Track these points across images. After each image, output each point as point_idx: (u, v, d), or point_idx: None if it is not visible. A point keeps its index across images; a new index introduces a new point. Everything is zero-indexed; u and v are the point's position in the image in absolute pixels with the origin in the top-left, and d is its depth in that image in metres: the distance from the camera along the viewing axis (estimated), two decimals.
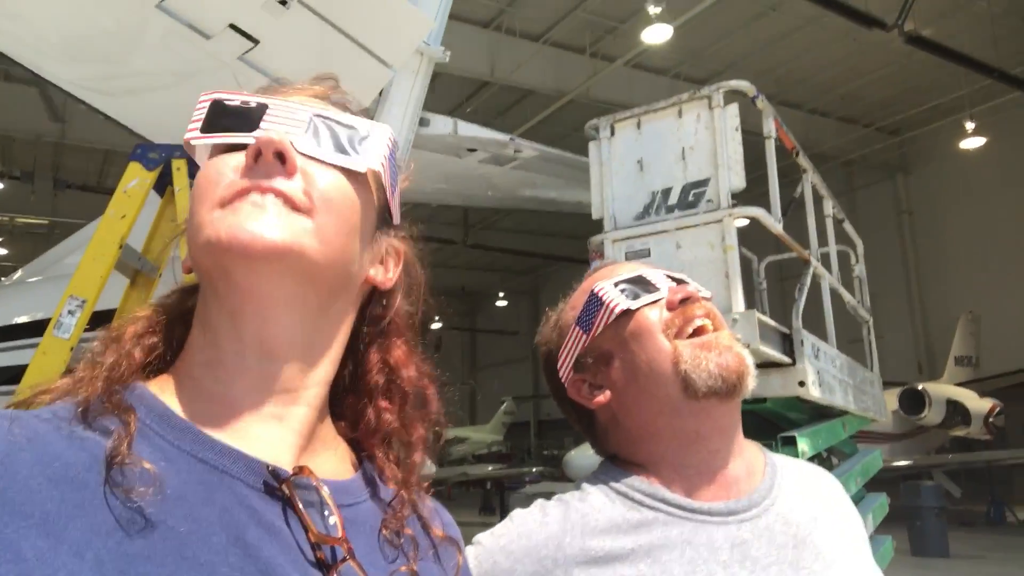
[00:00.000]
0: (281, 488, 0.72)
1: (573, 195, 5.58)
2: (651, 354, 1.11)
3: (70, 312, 2.84)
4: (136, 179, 3.12)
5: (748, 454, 1.18)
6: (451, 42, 3.80)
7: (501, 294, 34.61)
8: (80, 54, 3.45)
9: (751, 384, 1.10)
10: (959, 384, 17.50)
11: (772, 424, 4.22)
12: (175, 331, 0.83)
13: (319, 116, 0.82)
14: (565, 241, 22.91)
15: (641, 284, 1.18)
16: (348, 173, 0.80)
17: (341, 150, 0.80)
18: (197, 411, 0.74)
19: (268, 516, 0.70)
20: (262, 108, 0.81)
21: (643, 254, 3.73)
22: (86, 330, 2.96)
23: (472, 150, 4.25)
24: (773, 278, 7.05)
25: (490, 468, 22.72)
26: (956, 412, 15.91)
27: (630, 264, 1.27)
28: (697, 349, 1.10)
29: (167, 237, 3.23)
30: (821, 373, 4.18)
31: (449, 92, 16.31)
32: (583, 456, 8.05)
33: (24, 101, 15.28)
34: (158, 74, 3.46)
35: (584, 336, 1.19)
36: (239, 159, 0.76)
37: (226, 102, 0.82)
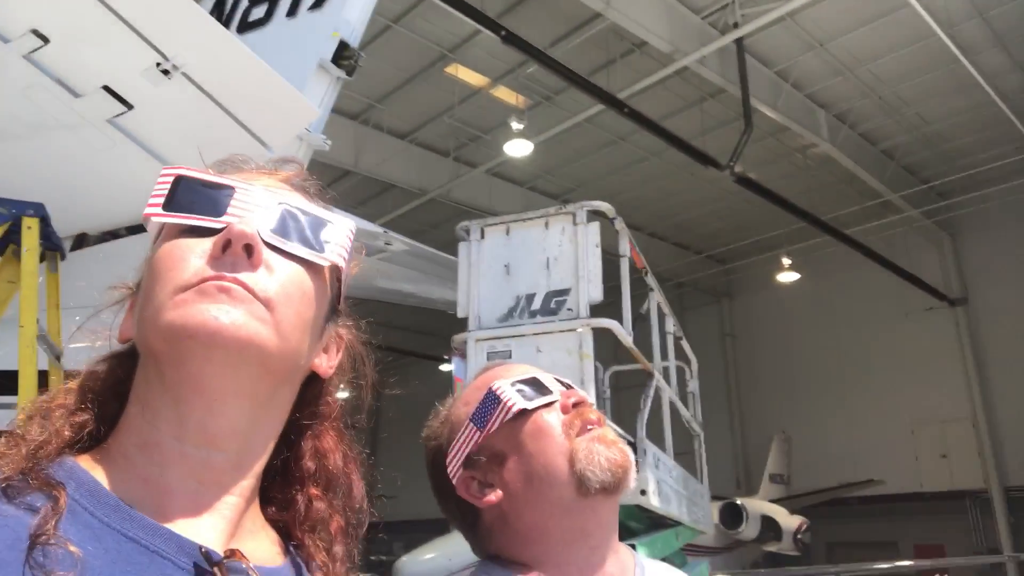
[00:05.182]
0: (213, 570, 0.70)
1: (432, 291, 5.62)
2: (549, 456, 1.14)
3: None
4: None
5: (621, 554, 1.22)
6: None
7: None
8: None
9: (632, 480, 1.16)
10: (772, 500, 18.60)
11: None
12: (108, 406, 0.79)
13: (285, 205, 0.82)
14: (415, 336, 22.78)
15: (536, 386, 1.22)
16: (309, 266, 0.80)
17: (305, 243, 0.81)
18: (129, 492, 0.71)
19: None
20: (229, 191, 0.80)
21: (505, 355, 3.82)
22: None
23: None
24: (611, 387, 7.37)
25: None
26: (770, 527, 16.82)
27: (523, 366, 1.31)
28: (592, 442, 1.14)
29: (3, 296, 2.95)
30: (660, 483, 4.36)
31: (311, 175, 16.15)
32: (416, 562, 7.63)
33: None
34: (8, 122, 3.23)
35: (478, 433, 1.19)
36: (204, 244, 0.75)
37: (190, 179, 0.80)
